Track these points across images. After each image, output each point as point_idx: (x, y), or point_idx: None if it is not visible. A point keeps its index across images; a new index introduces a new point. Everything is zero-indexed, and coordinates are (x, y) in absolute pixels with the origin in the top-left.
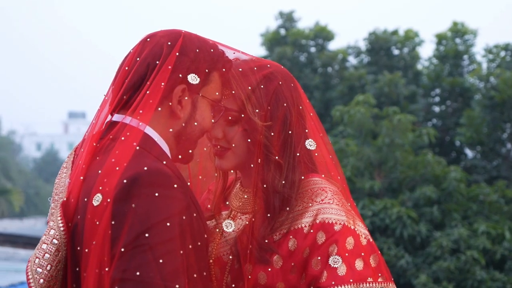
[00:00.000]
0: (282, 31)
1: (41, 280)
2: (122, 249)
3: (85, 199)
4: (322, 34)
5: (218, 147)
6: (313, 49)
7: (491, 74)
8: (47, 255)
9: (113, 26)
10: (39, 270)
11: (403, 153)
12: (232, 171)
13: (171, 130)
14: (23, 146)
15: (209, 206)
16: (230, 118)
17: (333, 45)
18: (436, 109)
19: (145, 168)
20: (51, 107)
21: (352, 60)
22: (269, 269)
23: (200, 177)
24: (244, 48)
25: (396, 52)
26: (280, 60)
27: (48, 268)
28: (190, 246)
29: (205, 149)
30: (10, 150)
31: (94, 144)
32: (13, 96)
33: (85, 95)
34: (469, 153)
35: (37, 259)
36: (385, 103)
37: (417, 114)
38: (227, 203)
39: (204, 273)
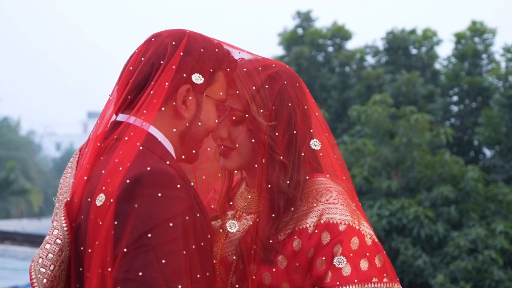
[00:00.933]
0: (300, 31)
1: (44, 280)
2: (125, 249)
3: (89, 199)
4: (340, 34)
5: (222, 147)
6: (330, 49)
7: (509, 73)
8: (50, 255)
9: (118, 27)
10: (43, 270)
11: (421, 152)
12: (237, 171)
13: (174, 130)
14: (43, 146)
15: (212, 206)
16: (234, 118)
17: (350, 45)
18: (454, 108)
19: (148, 168)
20: (70, 107)
21: (370, 60)
22: (274, 269)
23: (204, 177)
24: (261, 48)
25: (414, 51)
26: (298, 60)
27: (52, 268)
28: (193, 247)
29: (208, 149)
30: (30, 150)
31: (98, 144)
32: (32, 96)
33: (104, 95)
34: (487, 152)
35: (40, 259)
36: (403, 102)
37: (435, 114)
38: (231, 203)
39: (207, 274)
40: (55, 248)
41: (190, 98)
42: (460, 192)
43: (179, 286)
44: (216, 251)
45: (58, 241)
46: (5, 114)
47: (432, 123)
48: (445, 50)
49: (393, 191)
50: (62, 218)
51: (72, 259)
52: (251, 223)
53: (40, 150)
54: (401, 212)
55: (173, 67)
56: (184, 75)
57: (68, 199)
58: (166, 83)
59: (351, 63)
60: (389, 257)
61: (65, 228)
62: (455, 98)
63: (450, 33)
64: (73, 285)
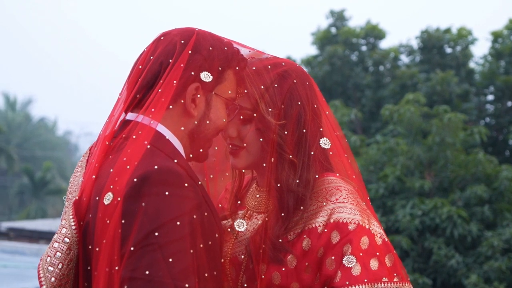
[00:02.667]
0: (333, 30)
1: (53, 279)
2: (132, 248)
3: (97, 198)
4: (374, 33)
5: (231, 146)
6: (364, 48)
7: None
8: (58, 254)
9: (128, 30)
10: (51, 268)
11: (454, 152)
12: (246, 170)
13: (182, 128)
14: (79, 146)
15: (220, 205)
16: (244, 116)
17: (384, 44)
18: (490, 107)
19: (156, 167)
20: (106, 107)
21: (404, 59)
22: (283, 269)
23: (212, 176)
24: (294, 47)
25: (448, 50)
26: (331, 59)
27: (60, 266)
28: (201, 245)
29: (216, 148)
30: (66, 150)
31: (107, 143)
32: (68, 96)
33: None
34: None
35: (48, 258)
36: (437, 101)
37: (470, 113)
38: (239, 202)
39: (215, 273)
40: (63, 247)
41: (199, 96)
42: (494, 192)
43: (186, 285)
44: (227, 250)
45: (66, 239)
46: (42, 114)
47: (467, 122)
48: (480, 49)
49: (426, 190)
50: (71, 216)
51: (81, 258)
52: (261, 222)
53: (77, 150)
54: (434, 212)
55: (182, 65)
56: (193, 73)
57: (77, 197)
58: (174, 82)
59: (385, 62)
60: (422, 257)
61: (73, 227)
62: (490, 97)
63: (486, 31)
64: (81, 284)
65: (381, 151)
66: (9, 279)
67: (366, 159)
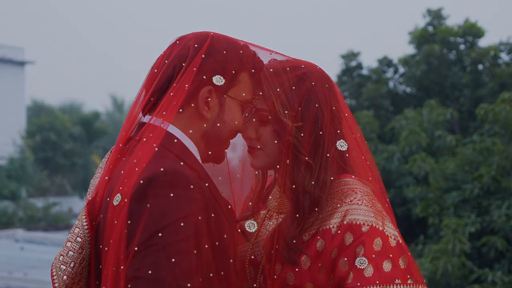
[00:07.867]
0: (430, 29)
1: (65, 277)
2: (136, 248)
3: (108, 199)
4: (472, 31)
5: (248, 146)
6: (462, 47)
7: None
8: (71, 253)
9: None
10: (63, 267)
11: None
12: (263, 170)
13: (192, 131)
14: None
15: (230, 206)
16: (259, 119)
17: (483, 42)
18: None
19: (162, 169)
20: None
21: (504, 57)
22: (297, 270)
23: (220, 178)
24: (391, 47)
25: None
26: (428, 58)
27: (72, 265)
28: (206, 246)
29: (226, 150)
30: None
31: (120, 145)
32: None
33: None
34: None
35: (61, 257)
36: None
37: None
38: (250, 203)
39: (222, 273)
40: (76, 246)
41: (211, 99)
42: None
43: (188, 285)
44: (246, 250)
45: (79, 239)
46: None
47: None
48: None
49: None
50: (83, 216)
51: (93, 257)
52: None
53: None
54: None
55: (194, 69)
56: (205, 77)
57: (90, 198)
58: (186, 85)
59: (484, 60)
60: None
61: (86, 227)
62: None
63: None
64: (92, 282)
65: (477, 151)
66: None
67: (461, 159)
